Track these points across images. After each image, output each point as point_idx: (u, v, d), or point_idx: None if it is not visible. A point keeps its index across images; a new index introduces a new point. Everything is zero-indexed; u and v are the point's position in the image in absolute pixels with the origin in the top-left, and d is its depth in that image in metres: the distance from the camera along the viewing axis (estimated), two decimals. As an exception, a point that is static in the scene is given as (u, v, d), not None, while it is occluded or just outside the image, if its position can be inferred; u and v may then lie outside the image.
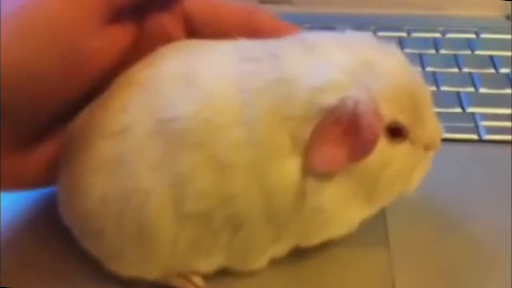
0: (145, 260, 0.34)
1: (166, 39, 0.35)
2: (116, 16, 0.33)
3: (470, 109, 0.47)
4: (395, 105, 0.32)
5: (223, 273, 0.35)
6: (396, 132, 0.33)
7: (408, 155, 0.34)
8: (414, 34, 0.55)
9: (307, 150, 0.31)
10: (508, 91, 0.49)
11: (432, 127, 0.34)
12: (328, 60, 0.32)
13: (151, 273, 0.35)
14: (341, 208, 0.33)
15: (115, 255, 0.34)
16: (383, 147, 0.32)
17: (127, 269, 0.35)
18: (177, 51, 0.34)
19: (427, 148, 0.35)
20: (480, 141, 0.45)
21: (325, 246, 0.35)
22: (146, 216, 0.32)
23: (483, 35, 0.55)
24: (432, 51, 0.53)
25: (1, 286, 0.34)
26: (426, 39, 0.55)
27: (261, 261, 0.35)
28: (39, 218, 0.39)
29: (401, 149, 0.33)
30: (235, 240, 0.33)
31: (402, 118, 0.33)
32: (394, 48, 0.34)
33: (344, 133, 0.31)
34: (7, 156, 0.33)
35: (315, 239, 0.35)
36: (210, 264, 0.35)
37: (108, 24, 0.33)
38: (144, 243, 0.33)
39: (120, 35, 0.34)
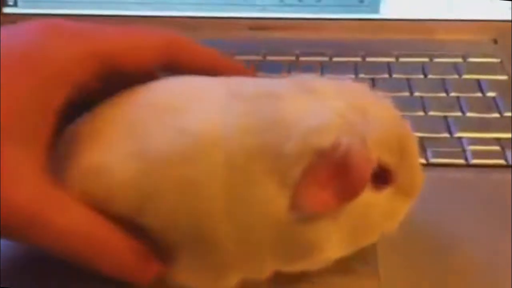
0: None
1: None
2: None
3: (458, 134, 0.48)
4: (384, 151, 0.33)
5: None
6: (382, 176, 0.34)
7: (391, 199, 0.35)
8: (402, 59, 0.56)
9: (297, 188, 0.32)
10: (495, 115, 0.49)
11: (416, 174, 0.35)
12: (324, 104, 0.33)
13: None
14: (324, 246, 0.34)
15: None
16: (369, 191, 0.33)
17: None
18: (165, 84, 0.35)
19: (409, 193, 0.35)
20: (468, 165, 0.45)
21: (313, 273, 0.35)
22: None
23: (470, 59, 0.56)
24: (420, 76, 0.54)
25: (1, 286, 0.35)
26: (414, 64, 0.55)
27: (230, 280, 0.35)
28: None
29: (386, 193, 0.34)
30: (200, 255, 0.34)
31: (389, 163, 0.34)
32: (386, 99, 0.35)
33: (334, 175, 0.32)
34: None
35: (295, 267, 0.35)
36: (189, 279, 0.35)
37: None
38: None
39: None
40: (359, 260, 0.36)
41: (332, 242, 0.34)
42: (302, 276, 0.36)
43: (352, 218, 0.33)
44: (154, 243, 0.34)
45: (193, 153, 0.32)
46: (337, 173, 0.32)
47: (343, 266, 0.35)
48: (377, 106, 0.34)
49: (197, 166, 0.32)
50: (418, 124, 0.45)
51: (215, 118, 0.33)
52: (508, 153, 0.45)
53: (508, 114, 0.49)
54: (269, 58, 0.57)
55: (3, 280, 0.35)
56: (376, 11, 0.60)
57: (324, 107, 0.33)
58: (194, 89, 0.35)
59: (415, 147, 0.35)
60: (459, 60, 0.56)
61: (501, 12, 0.59)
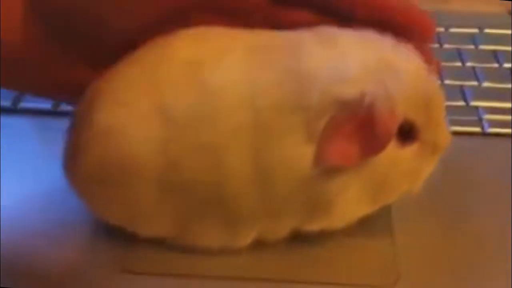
0: (134, 224, 0.35)
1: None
2: None
3: (473, 103, 0.47)
4: (410, 106, 0.33)
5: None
6: (407, 133, 0.33)
7: (415, 157, 0.34)
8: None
9: (320, 141, 0.32)
10: (511, 85, 0.49)
11: (442, 132, 0.35)
12: (348, 55, 0.32)
13: (142, 233, 0.36)
14: (344, 202, 0.34)
15: (106, 213, 0.36)
16: (393, 147, 0.33)
17: (121, 225, 0.36)
18: (192, 38, 0.35)
19: (434, 151, 0.35)
20: (483, 134, 0.45)
21: (329, 234, 0.36)
22: (133, 184, 0.33)
23: (486, 30, 0.55)
24: (436, 45, 0.53)
25: (1, 286, 0.35)
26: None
27: (249, 235, 0.35)
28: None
29: (410, 151, 0.34)
30: (221, 211, 0.34)
31: (415, 119, 0.33)
32: (413, 53, 0.34)
33: (359, 128, 0.31)
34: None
35: (314, 226, 0.35)
36: (197, 236, 0.35)
37: None
38: (131, 207, 0.35)
39: None
40: (373, 223, 0.36)
41: (353, 198, 0.34)
42: (315, 237, 0.35)
43: (375, 173, 0.33)
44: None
45: (218, 113, 0.32)
46: (361, 126, 0.31)
47: (358, 228, 0.35)
48: (404, 60, 0.33)
49: (223, 130, 0.32)
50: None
51: (238, 72, 0.32)
52: (525, 123, 0.45)
53: (525, 84, 0.49)
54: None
55: (3, 280, 0.35)
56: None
57: (347, 58, 0.32)
58: (216, 42, 0.34)
59: (441, 105, 0.34)
60: (475, 30, 0.55)
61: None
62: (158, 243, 0.36)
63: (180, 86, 0.33)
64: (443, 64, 0.51)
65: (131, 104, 0.33)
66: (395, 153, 0.33)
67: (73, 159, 0.35)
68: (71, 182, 0.36)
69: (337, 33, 0.34)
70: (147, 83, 0.33)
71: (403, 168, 0.34)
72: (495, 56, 0.52)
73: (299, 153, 0.32)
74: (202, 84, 0.32)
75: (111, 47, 0.34)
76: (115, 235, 0.36)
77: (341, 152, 0.31)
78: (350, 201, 0.34)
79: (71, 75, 0.35)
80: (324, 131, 0.31)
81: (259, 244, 0.35)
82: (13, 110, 0.47)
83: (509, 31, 0.55)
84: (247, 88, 0.32)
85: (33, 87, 0.37)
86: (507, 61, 0.51)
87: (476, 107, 0.47)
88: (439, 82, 0.35)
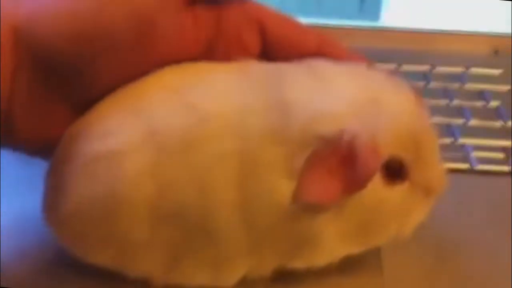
0: (121, 263, 0.34)
1: (243, 48, 0.35)
2: (193, 5, 0.34)
3: (461, 140, 0.47)
4: (397, 144, 0.32)
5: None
6: (395, 172, 0.32)
7: (406, 197, 0.33)
8: (404, 67, 0.55)
9: (300, 177, 0.31)
10: (498, 123, 0.49)
11: (435, 172, 0.34)
12: (333, 90, 0.32)
13: (128, 274, 0.34)
14: (327, 240, 0.33)
15: (92, 256, 0.34)
16: (379, 185, 0.32)
17: (107, 265, 0.34)
18: (180, 68, 0.34)
19: (428, 192, 0.34)
20: (472, 171, 0.44)
21: (318, 271, 0.34)
22: (123, 219, 0.32)
23: (472, 69, 0.55)
24: (422, 84, 0.53)
25: (1, 286, 0.34)
26: (415, 72, 0.55)
27: (235, 275, 0.34)
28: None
29: (399, 190, 0.33)
30: (207, 248, 0.33)
31: (403, 158, 0.32)
32: (406, 88, 0.33)
33: (339, 165, 0.31)
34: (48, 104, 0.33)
35: (297, 264, 0.34)
36: (184, 274, 0.34)
37: (185, 11, 0.34)
38: (119, 248, 0.33)
39: (194, 27, 0.34)
40: (362, 259, 0.35)
41: (335, 236, 0.33)
42: (304, 275, 0.34)
43: (360, 212, 0.32)
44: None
45: (206, 138, 0.31)
46: (342, 163, 0.30)
47: (346, 264, 0.34)
48: (393, 96, 0.32)
49: (210, 155, 0.31)
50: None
51: (226, 99, 0.32)
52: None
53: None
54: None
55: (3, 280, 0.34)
56: (377, 18, 0.59)
57: (333, 94, 0.32)
58: (203, 71, 0.34)
59: (432, 143, 0.33)
60: (461, 69, 0.55)
61: (501, 25, 0.58)
62: (142, 283, 0.34)
63: (168, 111, 0.32)
64: (430, 101, 0.51)
65: (118, 132, 0.32)
66: (381, 192, 0.32)
67: (57, 201, 0.34)
68: (53, 227, 0.35)
69: (327, 67, 0.33)
70: (134, 111, 0.33)
71: (391, 209, 0.33)
72: (481, 94, 0.52)
73: (280, 188, 0.31)
74: (190, 109, 0.32)
75: (100, 94, 0.34)
76: (89, 270, 0.35)
77: (321, 189, 0.31)
78: (333, 240, 0.33)
79: (56, 123, 0.34)
80: (304, 167, 0.31)
81: (246, 284, 0.34)
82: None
83: (494, 70, 0.55)
84: (235, 115, 0.31)
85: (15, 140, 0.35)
86: (494, 99, 0.51)
87: (464, 145, 0.46)
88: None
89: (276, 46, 0.35)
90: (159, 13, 0.33)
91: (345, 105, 0.31)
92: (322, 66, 0.33)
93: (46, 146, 0.34)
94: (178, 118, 0.32)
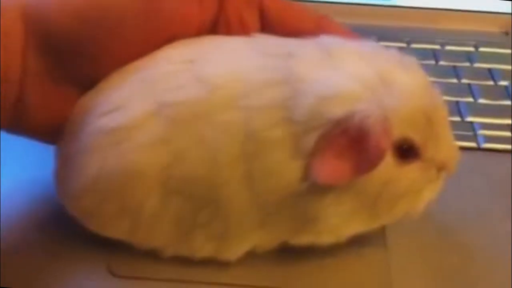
0: (133, 235, 0.34)
1: (244, 28, 0.36)
2: None
3: (469, 118, 0.47)
4: (408, 124, 0.32)
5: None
6: (406, 152, 0.32)
7: (417, 176, 0.33)
8: (414, 45, 0.55)
9: (310, 159, 0.31)
10: (507, 102, 0.49)
11: (447, 149, 0.34)
12: (343, 69, 0.32)
13: (141, 246, 0.35)
14: (334, 219, 0.33)
15: (107, 228, 0.35)
16: (389, 165, 0.32)
17: (119, 237, 0.35)
18: (188, 42, 0.34)
19: (440, 169, 0.34)
20: (479, 149, 0.45)
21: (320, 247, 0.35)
22: (134, 192, 0.33)
23: (481, 49, 0.55)
24: (432, 62, 0.53)
25: (1, 286, 0.34)
26: (425, 50, 0.55)
27: (241, 249, 0.34)
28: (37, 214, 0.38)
29: (410, 170, 0.33)
30: (215, 221, 0.33)
31: (414, 137, 0.32)
32: (416, 66, 0.33)
33: (349, 146, 0.31)
34: (55, 86, 0.34)
35: (303, 240, 0.34)
36: (192, 246, 0.34)
37: None
38: (132, 220, 0.34)
39: (198, 10, 0.35)
40: (366, 234, 0.35)
41: (344, 215, 0.33)
42: (307, 250, 0.35)
43: (370, 192, 0.32)
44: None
45: (213, 109, 0.31)
46: (352, 144, 0.30)
47: (350, 240, 0.35)
48: (405, 74, 0.32)
49: (217, 126, 0.31)
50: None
51: (233, 70, 0.32)
52: (520, 139, 0.45)
53: (521, 102, 0.49)
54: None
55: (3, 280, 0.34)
56: (390, -3, 0.59)
57: (343, 73, 0.31)
58: (213, 43, 0.34)
59: (444, 120, 0.33)
60: (471, 49, 0.55)
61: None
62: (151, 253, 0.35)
63: (178, 84, 0.32)
64: (439, 80, 0.51)
65: (128, 105, 0.33)
66: (391, 172, 0.32)
67: (69, 176, 0.34)
68: (67, 201, 0.35)
69: (339, 45, 0.33)
70: (143, 84, 0.33)
71: (401, 188, 0.33)
72: (490, 73, 0.52)
73: (287, 167, 0.31)
74: (200, 81, 0.32)
75: (107, 73, 0.34)
76: (101, 238, 0.35)
77: (332, 170, 0.31)
78: (340, 218, 0.33)
79: (65, 104, 0.35)
80: (314, 148, 0.31)
81: (249, 254, 0.35)
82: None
83: (504, 50, 0.55)
84: (243, 88, 0.32)
85: (27, 126, 0.35)
86: (502, 79, 0.51)
87: (471, 122, 0.47)
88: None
89: (275, 26, 0.36)
90: None
91: (355, 84, 0.31)
92: (332, 43, 0.33)
93: (57, 129, 0.35)
94: (187, 90, 0.32)
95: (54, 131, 0.35)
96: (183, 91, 0.32)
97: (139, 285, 0.35)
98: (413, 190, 0.34)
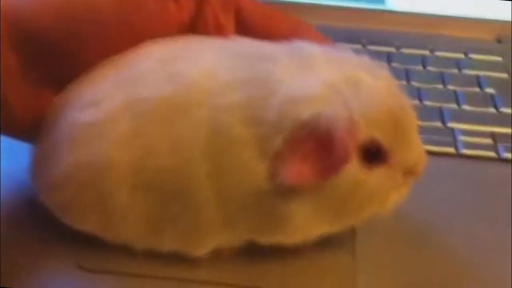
0: (105, 228, 0.35)
1: (221, 31, 0.36)
2: None
3: (451, 124, 0.47)
4: (375, 126, 0.32)
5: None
6: (373, 155, 0.33)
7: (384, 179, 0.33)
8: (403, 50, 0.55)
9: (276, 159, 0.31)
10: (491, 109, 0.49)
11: (415, 153, 0.34)
12: (313, 73, 0.32)
13: (113, 240, 0.35)
14: (299, 220, 0.33)
15: (79, 221, 0.35)
16: (356, 169, 0.32)
17: (91, 231, 0.35)
18: (166, 41, 0.35)
19: (407, 174, 0.34)
20: (458, 155, 0.45)
21: (288, 247, 0.35)
22: (106, 184, 0.33)
23: (472, 56, 0.55)
24: (419, 68, 0.53)
25: (1, 286, 0.34)
26: (414, 55, 0.55)
27: (208, 245, 0.35)
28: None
29: (377, 173, 0.33)
30: (183, 216, 0.33)
31: (382, 140, 0.32)
32: (385, 72, 0.34)
33: (315, 148, 0.31)
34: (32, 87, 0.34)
35: (268, 239, 0.35)
36: (161, 241, 0.35)
37: None
38: (103, 213, 0.34)
39: (176, 10, 0.35)
40: (336, 238, 0.35)
41: (309, 217, 0.33)
42: (275, 249, 0.35)
43: (336, 194, 0.32)
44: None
45: (183, 101, 0.32)
46: (318, 146, 0.31)
47: (318, 243, 0.35)
48: (372, 79, 0.32)
49: (186, 120, 0.32)
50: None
51: (205, 69, 0.33)
52: (500, 147, 0.45)
53: (505, 110, 0.49)
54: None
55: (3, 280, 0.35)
56: (382, 2, 0.59)
57: (312, 77, 0.32)
58: (188, 44, 0.35)
59: (412, 123, 0.34)
60: (461, 55, 0.55)
61: (506, 13, 0.58)
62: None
63: (152, 80, 0.33)
64: (425, 85, 0.51)
65: (102, 101, 0.33)
66: (358, 175, 0.32)
67: (45, 168, 0.35)
68: (43, 194, 0.36)
69: (309, 49, 0.34)
70: (119, 81, 0.34)
71: (368, 191, 0.33)
72: (477, 80, 0.52)
73: (252, 167, 0.32)
74: (173, 77, 0.33)
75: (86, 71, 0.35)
76: (73, 231, 0.36)
77: (297, 172, 0.31)
78: (306, 219, 0.33)
79: (48, 104, 0.35)
80: (280, 149, 0.31)
81: (218, 252, 0.35)
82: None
83: (494, 58, 0.55)
84: (214, 86, 0.32)
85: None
86: (489, 86, 0.51)
87: (452, 129, 0.47)
88: (412, 102, 0.34)
89: (250, 29, 0.36)
90: None
91: (323, 88, 0.31)
92: (304, 48, 0.34)
93: (34, 129, 0.35)
94: (160, 87, 0.32)
95: (29, 130, 0.35)
96: (154, 87, 0.33)
97: (108, 279, 0.35)
98: (380, 194, 0.34)
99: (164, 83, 0.33)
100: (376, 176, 0.33)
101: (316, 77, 0.32)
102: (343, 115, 0.31)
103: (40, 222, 0.36)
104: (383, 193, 0.34)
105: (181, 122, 0.32)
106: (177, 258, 0.35)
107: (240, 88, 0.32)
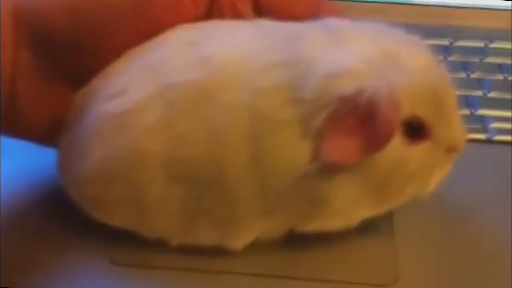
0: (138, 223, 0.34)
1: (237, 17, 0.35)
2: None
3: (479, 112, 0.46)
4: (417, 102, 0.31)
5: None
6: (415, 131, 0.32)
7: (426, 156, 0.32)
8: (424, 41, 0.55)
9: (319, 138, 0.30)
10: (516, 96, 0.48)
11: (456, 129, 0.33)
12: (349, 48, 0.31)
13: (145, 233, 0.34)
14: (345, 203, 0.32)
15: (111, 216, 0.34)
16: (399, 145, 0.31)
17: (124, 225, 0.34)
18: (189, 26, 0.34)
19: (449, 150, 0.33)
20: (489, 141, 0.44)
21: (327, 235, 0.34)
22: (139, 177, 0.32)
23: (492, 45, 0.55)
24: (441, 57, 0.52)
25: (1, 286, 0.34)
26: (434, 46, 0.54)
27: (248, 236, 0.34)
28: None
29: (420, 150, 0.32)
30: (221, 206, 0.32)
31: (423, 116, 0.32)
32: (423, 45, 0.33)
33: (359, 124, 0.30)
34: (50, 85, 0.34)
35: (311, 226, 0.34)
36: (198, 234, 0.34)
37: None
38: (135, 207, 0.33)
39: (191, 3, 0.34)
40: (374, 221, 0.35)
41: (352, 198, 0.32)
42: (314, 237, 0.34)
43: (379, 172, 0.32)
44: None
45: (218, 90, 0.31)
46: (361, 122, 0.30)
47: (357, 227, 0.34)
48: (412, 53, 0.32)
49: (221, 105, 0.31)
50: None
51: (238, 51, 0.32)
52: (531, 131, 0.44)
53: (532, 96, 0.48)
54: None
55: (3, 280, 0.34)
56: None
57: (349, 52, 0.31)
58: (217, 25, 0.34)
59: (452, 99, 0.33)
60: (481, 44, 0.55)
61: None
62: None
63: (182, 65, 0.32)
64: (450, 74, 0.50)
65: (130, 90, 0.32)
66: (401, 152, 0.32)
67: (73, 164, 0.34)
68: (72, 189, 0.35)
69: (345, 26, 0.33)
70: (146, 68, 0.32)
71: (411, 168, 0.32)
72: (500, 68, 0.51)
73: (295, 148, 0.31)
74: (204, 61, 0.31)
75: (100, 68, 0.34)
76: (104, 227, 0.35)
77: (341, 149, 0.30)
78: (349, 200, 0.32)
79: (59, 102, 0.34)
80: (323, 127, 0.30)
81: (255, 243, 0.34)
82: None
83: (515, 46, 0.54)
84: (249, 68, 0.31)
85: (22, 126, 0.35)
86: (513, 73, 0.51)
87: (482, 116, 0.46)
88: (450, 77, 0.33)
89: (270, 13, 0.35)
90: None
91: (363, 63, 0.30)
92: (337, 24, 0.33)
93: (51, 130, 0.34)
94: (191, 71, 0.31)
95: (48, 131, 0.35)
96: (186, 72, 0.31)
97: (141, 273, 0.34)
98: (423, 172, 0.33)
99: (196, 68, 0.31)
100: (419, 153, 0.32)
101: (355, 52, 0.31)
102: (385, 88, 0.30)
103: (70, 219, 0.35)
104: (426, 170, 0.33)
105: (218, 107, 0.31)
106: (212, 250, 0.34)
107: (276, 69, 0.31)
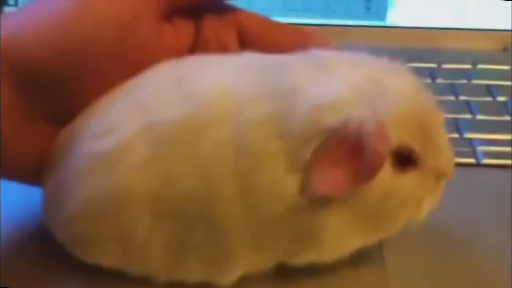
0: (125, 261, 0.33)
1: (221, 48, 0.35)
2: (172, 16, 0.34)
3: (468, 135, 0.46)
4: (405, 130, 0.31)
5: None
6: (405, 160, 0.31)
7: (417, 184, 0.32)
8: (409, 65, 0.54)
9: (307, 171, 0.30)
10: (506, 118, 0.48)
11: (445, 155, 0.33)
12: (335, 78, 0.31)
13: (133, 272, 0.34)
14: (336, 234, 0.32)
15: (98, 257, 0.34)
16: (388, 174, 0.31)
17: (110, 265, 0.34)
18: (174, 62, 0.34)
19: (438, 177, 0.33)
20: (478, 165, 0.44)
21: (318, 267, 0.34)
22: (125, 216, 0.32)
23: (479, 66, 0.55)
24: (428, 80, 0.52)
25: (1, 286, 0.33)
26: (421, 69, 0.54)
27: (237, 272, 0.33)
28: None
29: (410, 177, 0.32)
30: (209, 242, 0.32)
31: (412, 143, 0.31)
32: (407, 71, 0.33)
33: (347, 155, 0.30)
34: (30, 126, 0.33)
35: (302, 259, 0.33)
36: (186, 271, 0.33)
37: (164, 21, 0.34)
38: (123, 247, 0.33)
39: (174, 36, 0.35)
40: (363, 251, 0.34)
41: (343, 230, 0.32)
42: (306, 270, 0.34)
43: (369, 203, 0.31)
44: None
45: (202, 122, 0.31)
46: (350, 153, 0.30)
47: (348, 258, 0.34)
48: (397, 80, 0.31)
49: (207, 141, 0.31)
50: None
51: (223, 86, 0.32)
52: (520, 154, 0.44)
53: (521, 117, 0.48)
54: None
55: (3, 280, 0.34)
56: (383, 18, 0.59)
57: (335, 82, 0.31)
58: (201, 61, 0.34)
59: (440, 124, 0.33)
60: (468, 66, 0.55)
61: (509, 22, 0.58)
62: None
63: (167, 102, 0.32)
64: (437, 98, 0.50)
65: (115, 129, 0.32)
66: (391, 181, 0.31)
67: (58, 204, 0.33)
68: (57, 230, 0.34)
69: (328, 55, 0.33)
70: (131, 106, 0.32)
71: (402, 197, 0.32)
72: (488, 90, 0.51)
73: (282, 181, 0.31)
74: (189, 98, 0.31)
75: (83, 106, 0.34)
76: (88, 267, 0.34)
77: (330, 181, 0.30)
78: (340, 233, 0.32)
79: (42, 140, 0.34)
80: (312, 159, 0.30)
81: (245, 278, 0.34)
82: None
83: (502, 66, 0.54)
84: (234, 103, 0.31)
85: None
86: (501, 95, 0.51)
87: (470, 139, 0.46)
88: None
89: (256, 43, 0.35)
90: (137, 23, 0.33)
91: (349, 92, 0.30)
92: (322, 54, 0.33)
93: (36, 169, 0.34)
94: (176, 108, 0.31)
95: (33, 171, 0.34)
96: (171, 109, 0.31)
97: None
98: (414, 199, 0.33)
99: (181, 104, 0.31)
100: (410, 181, 0.32)
101: (337, 81, 0.31)
102: (373, 118, 0.30)
103: (55, 260, 0.35)
104: (417, 197, 0.33)
105: (204, 143, 0.31)
106: (200, 287, 0.34)
107: (261, 103, 0.31)
